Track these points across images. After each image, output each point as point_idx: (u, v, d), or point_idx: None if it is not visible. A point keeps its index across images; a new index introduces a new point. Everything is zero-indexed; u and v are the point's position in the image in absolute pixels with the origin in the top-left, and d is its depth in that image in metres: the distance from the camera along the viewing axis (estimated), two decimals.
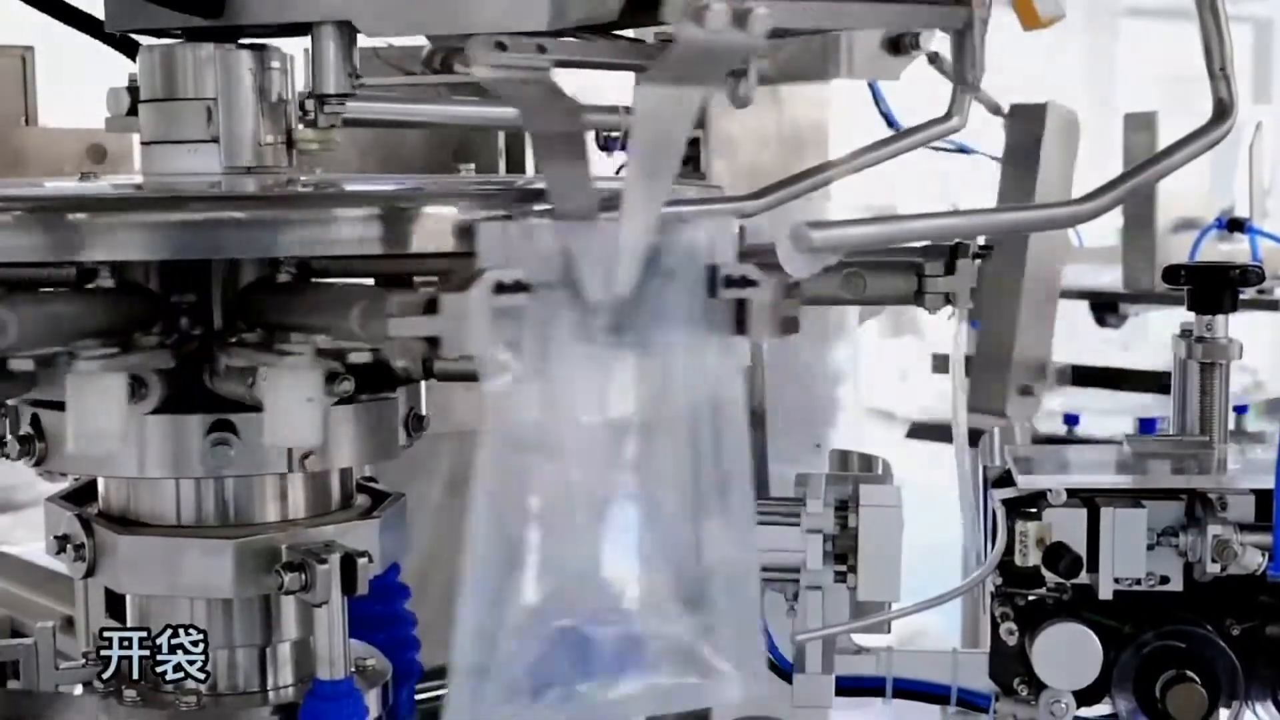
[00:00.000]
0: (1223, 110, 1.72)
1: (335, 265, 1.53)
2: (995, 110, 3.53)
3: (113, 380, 1.42)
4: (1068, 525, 1.80)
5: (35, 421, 1.64)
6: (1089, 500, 1.81)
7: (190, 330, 1.57)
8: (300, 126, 1.71)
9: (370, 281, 1.58)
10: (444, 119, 2.89)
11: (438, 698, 2.85)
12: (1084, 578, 1.80)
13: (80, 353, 1.39)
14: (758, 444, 3.29)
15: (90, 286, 1.45)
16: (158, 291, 1.56)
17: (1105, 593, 1.80)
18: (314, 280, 1.52)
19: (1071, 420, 4.04)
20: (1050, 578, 1.81)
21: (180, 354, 1.54)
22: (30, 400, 1.61)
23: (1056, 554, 1.79)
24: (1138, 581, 1.81)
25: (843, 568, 1.83)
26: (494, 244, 1.21)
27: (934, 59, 3.31)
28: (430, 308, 1.21)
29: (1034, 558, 1.80)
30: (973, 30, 1.60)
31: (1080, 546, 1.80)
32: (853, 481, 1.87)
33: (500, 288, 1.20)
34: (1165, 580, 1.81)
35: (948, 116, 1.80)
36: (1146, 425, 3.41)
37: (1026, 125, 3.66)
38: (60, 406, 1.47)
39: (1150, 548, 1.80)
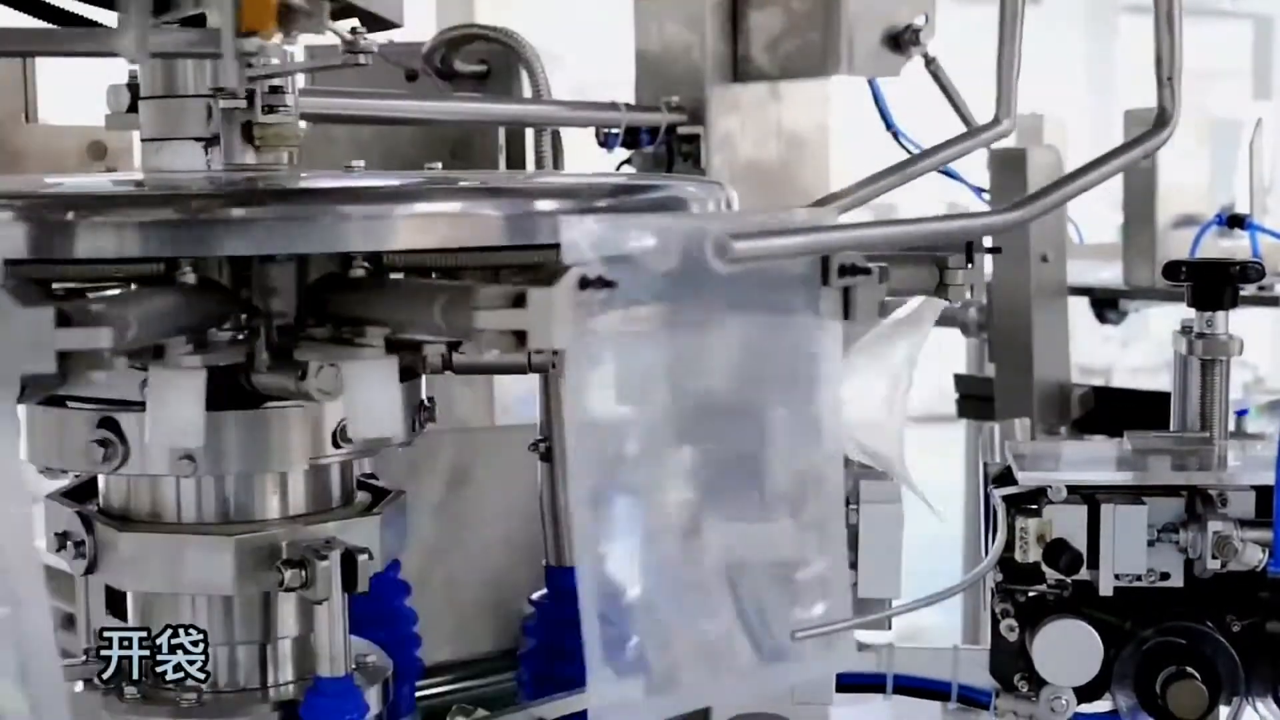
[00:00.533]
0: (1164, 118, 1.74)
1: (406, 260, 1.52)
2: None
3: (197, 376, 1.42)
4: (1068, 521, 1.80)
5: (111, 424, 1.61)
6: (1089, 496, 1.81)
7: (250, 326, 1.56)
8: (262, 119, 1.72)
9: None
10: (444, 116, 2.89)
11: (438, 694, 2.87)
12: (1084, 574, 1.80)
13: (170, 349, 1.39)
14: None
15: (179, 283, 1.43)
16: (229, 287, 1.55)
17: (1106, 589, 1.80)
18: (388, 275, 1.51)
19: None
20: (1050, 574, 1.81)
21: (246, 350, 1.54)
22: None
23: (1057, 550, 1.79)
24: (1138, 578, 1.81)
25: None
26: (577, 239, 1.23)
27: (930, 62, 3.31)
28: (519, 302, 1.23)
29: (1034, 554, 1.80)
30: None
31: (1080, 543, 1.80)
32: (853, 477, 1.87)
33: (584, 283, 1.22)
34: (1166, 576, 1.81)
35: (996, 121, 1.80)
36: None
37: (1009, 171, 3.66)
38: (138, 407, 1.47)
39: (1151, 544, 1.80)
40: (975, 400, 4.13)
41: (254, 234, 1.41)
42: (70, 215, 1.40)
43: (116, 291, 1.42)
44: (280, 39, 1.68)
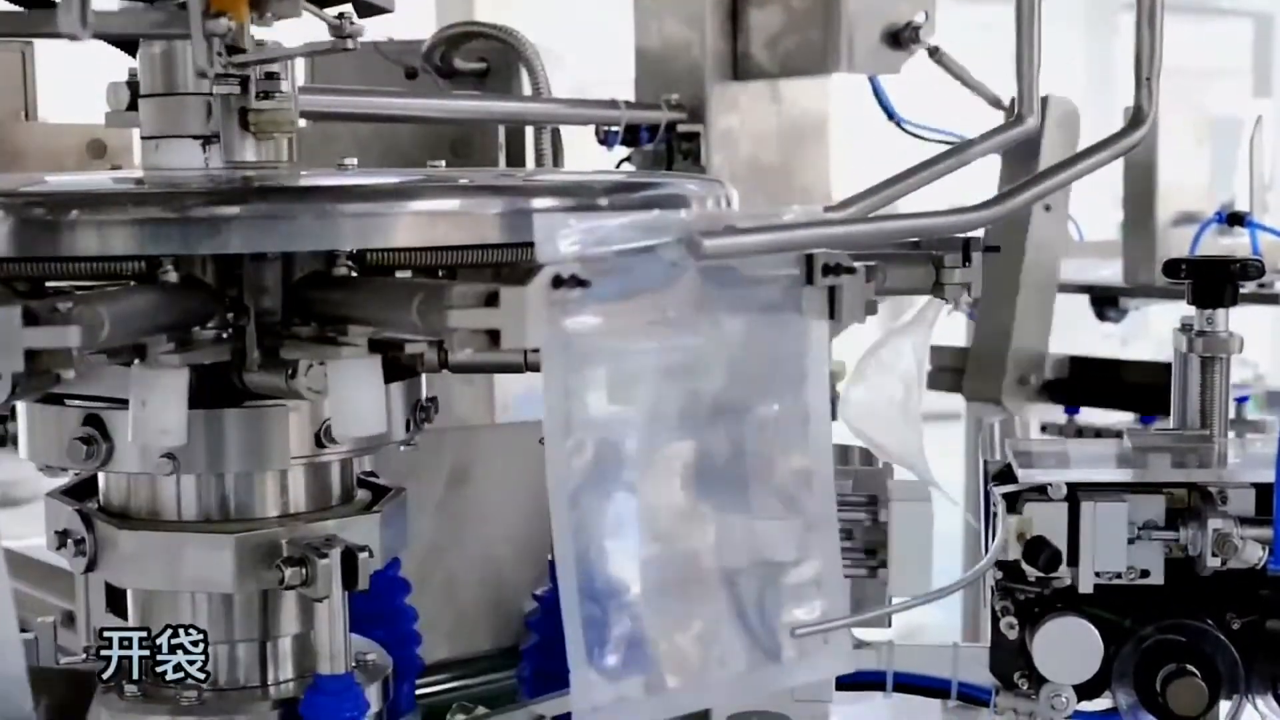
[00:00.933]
0: (1140, 117, 1.74)
1: (393, 258, 1.51)
2: (995, 103, 3.52)
3: (178, 375, 1.41)
4: (1049, 519, 1.79)
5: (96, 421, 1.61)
6: (1069, 494, 1.80)
7: (236, 324, 1.56)
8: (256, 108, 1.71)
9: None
10: (444, 113, 2.89)
11: (438, 692, 2.86)
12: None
13: (151, 348, 1.39)
14: None
15: (161, 282, 1.43)
16: (214, 286, 1.55)
17: (1085, 586, 1.79)
18: (368, 274, 1.51)
19: (1071, 410, 4.05)
20: (1030, 571, 1.80)
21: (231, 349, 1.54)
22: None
23: (1036, 548, 1.79)
24: (1118, 575, 1.80)
25: (873, 562, 1.83)
26: (551, 238, 1.22)
27: (934, 53, 3.31)
28: (491, 301, 1.22)
29: (1014, 552, 1.79)
30: None
31: (1061, 541, 1.79)
32: (882, 477, 1.86)
33: (558, 282, 1.21)
34: (1145, 574, 1.80)
35: (1019, 119, 1.80)
36: (1148, 420, 3.40)
37: (1020, 155, 3.65)
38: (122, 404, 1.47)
39: (1131, 541, 1.79)
40: (949, 372, 4.11)
41: (225, 233, 1.40)
42: (45, 214, 1.40)
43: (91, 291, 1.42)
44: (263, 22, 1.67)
